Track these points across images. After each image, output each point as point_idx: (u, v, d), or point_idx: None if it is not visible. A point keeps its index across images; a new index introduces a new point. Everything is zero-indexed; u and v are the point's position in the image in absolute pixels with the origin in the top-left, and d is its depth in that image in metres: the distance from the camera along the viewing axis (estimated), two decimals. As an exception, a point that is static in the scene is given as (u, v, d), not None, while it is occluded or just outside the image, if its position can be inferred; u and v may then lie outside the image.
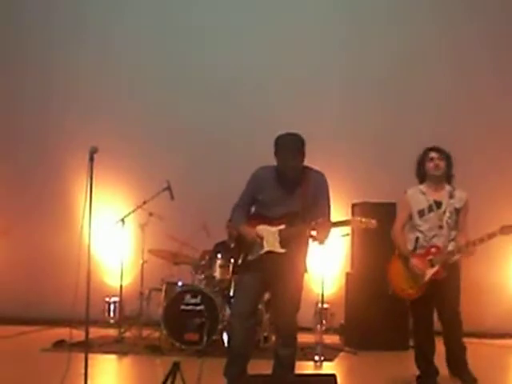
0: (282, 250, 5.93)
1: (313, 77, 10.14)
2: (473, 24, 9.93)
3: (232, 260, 8.46)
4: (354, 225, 6.57)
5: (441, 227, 6.37)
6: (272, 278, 5.91)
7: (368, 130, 9.99)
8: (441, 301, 6.39)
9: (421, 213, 6.45)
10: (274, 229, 5.92)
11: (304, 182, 5.97)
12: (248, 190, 6.12)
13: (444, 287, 6.32)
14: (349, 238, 9.09)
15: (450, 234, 6.36)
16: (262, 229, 5.94)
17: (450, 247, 6.35)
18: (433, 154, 6.44)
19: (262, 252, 5.93)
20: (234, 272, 6.65)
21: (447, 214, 6.37)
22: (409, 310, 6.82)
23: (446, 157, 6.46)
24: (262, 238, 5.92)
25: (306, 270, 6.09)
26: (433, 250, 6.35)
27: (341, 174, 9.71)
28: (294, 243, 5.94)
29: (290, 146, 5.92)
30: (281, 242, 5.93)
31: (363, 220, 5.88)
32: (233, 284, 8.47)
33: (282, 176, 5.98)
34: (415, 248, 6.44)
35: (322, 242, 5.92)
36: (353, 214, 9.16)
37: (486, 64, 9.91)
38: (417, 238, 6.45)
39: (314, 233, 5.92)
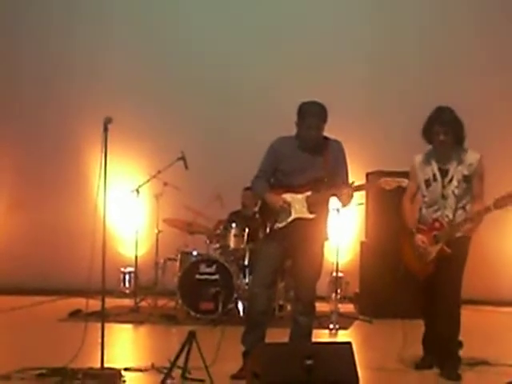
0: (312, 216, 5.97)
1: (330, 47, 10.10)
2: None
3: (247, 229, 8.56)
4: (375, 187, 6.51)
5: (444, 197, 6.03)
6: (296, 244, 5.95)
7: (382, 97, 9.95)
8: (441, 280, 6.06)
9: (427, 182, 6.13)
10: (301, 196, 5.95)
11: (324, 151, 6.00)
12: (268, 161, 6.11)
13: (447, 265, 5.99)
14: (363, 207, 9.08)
15: (457, 203, 5.99)
16: (289, 196, 5.97)
17: (458, 218, 6.00)
18: (438, 128, 5.97)
19: (291, 219, 5.96)
20: (255, 239, 6.62)
21: (454, 183, 6.00)
22: (418, 287, 6.41)
23: (453, 126, 5.98)
24: (289, 205, 5.95)
25: (327, 238, 6.13)
26: (436, 224, 6.06)
27: (355, 142, 9.65)
28: (320, 209, 5.98)
29: (316, 116, 5.93)
30: (308, 208, 5.96)
31: (387, 180, 5.90)
32: (247, 253, 8.50)
33: (303, 144, 5.99)
34: (420, 222, 6.20)
35: (345, 205, 5.99)
36: (367, 183, 9.15)
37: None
38: (420, 210, 6.23)
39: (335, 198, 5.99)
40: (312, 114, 5.91)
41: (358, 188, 6.08)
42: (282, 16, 10.27)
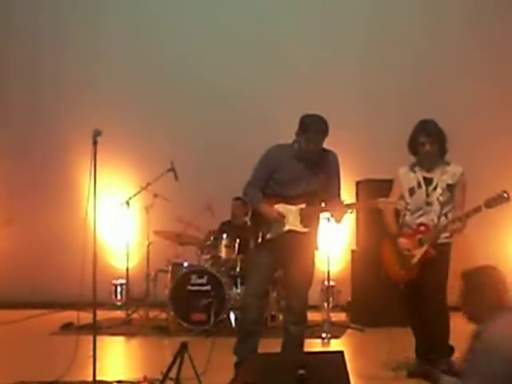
0: (305, 230, 5.97)
1: (321, 57, 10.13)
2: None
3: (238, 240, 8.56)
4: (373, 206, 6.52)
5: (429, 204, 6.16)
6: (288, 255, 5.95)
7: (372, 105, 9.97)
8: (426, 283, 6.12)
9: (411, 191, 6.26)
10: (294, 208, 5.94)
11: (321, 162, 6.01)
12: (263, 168, 6.09)
13: (431, 269, 6.08)
14: (354, 216, 9.10)
15: (441, 209, 6.13)
16: (282, 207, 5.95)
17: (441, 223, 6.12)
18: (422, 139, 6.14)
19: (283, 231, 5.95)
20: (246, 250, 6.59)
21: (438, 191, 6.16)
22: (400, 294, 6.43)
23: (438, 137, 6.17)
24: (283, 217, 5.94)
25: (317, 248, 6.15)
26: (422, 228, 6.16)
27: (345, 151, 9.66)
28: (312, 222, 5.99)
29: (320, 132, 5.92)
30: (302, 221, 5.96)
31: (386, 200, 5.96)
32: (239, 263, 8.50)
33: (301, 156, 5.98)
34: (401, 226, 6.30)
35: (338, 222, 6.01)
36: (357, 191, 9.17)
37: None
38: (403, 216, 6.31)
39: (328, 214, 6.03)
40: (316, 130, 5.89)
41: (354, 206, 6.13)
42: (271, 27, 10.28)
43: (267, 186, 6.08)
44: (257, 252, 6.12)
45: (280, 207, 5.96)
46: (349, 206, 6.03)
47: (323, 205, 6.05)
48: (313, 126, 5.90)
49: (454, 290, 6.22)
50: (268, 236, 6.00)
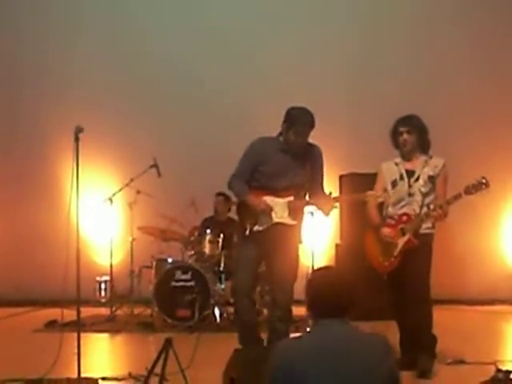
0: (293, 222, 5.99)
1: (305, 52, 10.13)
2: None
3: (222, 235, 8.56)
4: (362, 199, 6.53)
5: (411, 194, 6.23)
6: (273, 249, 5.98)
7: (356, 99, 9.99)
8: (409, 273, 6.16)
9: (393, 183, 6.34)
10: (282, 200, 5.95)
11: (306, 155, 6.05)
12: (248, 160, 6.10)
13: (414, 258, 6.12)
14: (337, 210, 9.11)
15: (423, 200, 6.19)
16: (269, 199, 5.96)
17: (422, 213, 6.18)
18: (401, 129, 6.27)
19: (271, 223, 5.97)
20: (228, 246, 6.55)
21: (420, 182, 6.23)
22: (385, 285, 6.46)
23: (417, 128, 6.28)
24: (271, 209, 5.94)
25: (301, 241, 6.16)
26: (404, 218, 6.22)
27: (329, 145, 9.67)
28: (299, 215, 6.01)
29: (307, 124, 5.95)
30: (290, 214, 5.97)
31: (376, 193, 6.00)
32: (223, 259, 8.50)
33: (287, 148, 6.01)
34: (384, 218, 6.38)
35: (327, 215, 6.05)
36: (340, 185, 9.19)
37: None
38: (386, 208, 6.40)
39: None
40: (303, 123, 5.92)
41: (341, 199, 6.17)
42: (255, 24, 10.26)
43: (253, 178, 6.09)
44: (244, 244, 6.15)
45: (267, 199, 5.98)
46: (336, 199, 6.07)
47: (309, 198, 6.09)
48: (300, 119, 5.93)
49: (437, 282, 6.33)
50: (256, 228, 6.01)
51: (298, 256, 6.18)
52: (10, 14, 10.49)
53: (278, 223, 5.98)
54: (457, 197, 6.03)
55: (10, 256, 10.19)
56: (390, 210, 6.36)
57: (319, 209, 6.11)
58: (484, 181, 5.96)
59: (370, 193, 6.13)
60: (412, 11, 10.16)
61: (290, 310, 6.18)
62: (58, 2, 10.51)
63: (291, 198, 5.99)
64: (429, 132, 6.34)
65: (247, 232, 6.05)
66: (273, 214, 5.98)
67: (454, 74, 9.97)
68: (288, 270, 6.04)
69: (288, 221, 6.00)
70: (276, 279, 6.12)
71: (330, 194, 6.11)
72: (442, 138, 6.48)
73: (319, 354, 3.32)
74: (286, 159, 6.01)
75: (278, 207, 5.97)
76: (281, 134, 6.09)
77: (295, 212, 6.01)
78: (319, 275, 3.77)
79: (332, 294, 3.56)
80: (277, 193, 5.99)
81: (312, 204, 6.13)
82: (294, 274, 6.11)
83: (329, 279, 3.67)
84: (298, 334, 3.85)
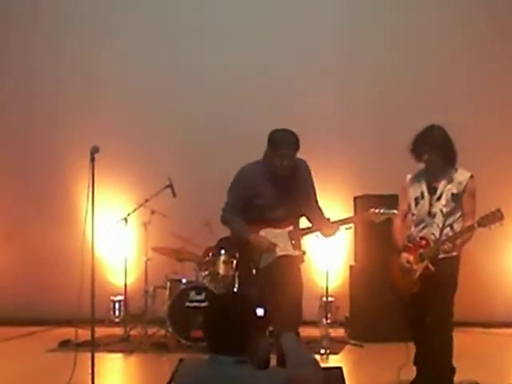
0: (297, 253, 5.87)
1: (308, 72, 10.10)
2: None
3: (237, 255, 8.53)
4: (361, 219, 6.44)
5: (431, 215, 5.94)
6: (277, 283, 5.78)
7: (370, 119, 9.94)
8: (428, 300, 5.96)
9: (416, 200, 6.04)
10: (282, 231, 5.84)
11: (294, 173, 5.92)
12: (239, 193, 5.96)
13: (434, 285, 5.89)
14: (352, 231, 9.08)
15: (444, 221, 5.86)
16: (269, 232, 5.84)
17: (445, 236, 5.88)
18: (421, 147, 5.94)
19: (275, 257, 5.84)
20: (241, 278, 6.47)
21: (442, 202, 5.90)
22: (405, 309, 6.31)
23: (439, 144, 5.91)
24: (275, 246, 5.80)
25: (303, 260, 6.04)
26: (423, 242, 5.96)
27: (341, 167, 9.73)
28: (300, 243, 5.91)
29: (292, 146, 5.80)
30: (292, 244, 5.86)
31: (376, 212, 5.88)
32: (237, 280, 8.47)
33: (275, 175, 5.86)
34: (409, 240, 6.11)
35: (328, 238, 5.95)
36: (355, 207, 9.16)
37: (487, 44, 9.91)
38: (410, 228, 6.13)
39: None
40: (287, 145, 5.77)
41: (346, 221, 6.03)
42: (256, 39, 10.24)
43: (247, 210, 5.93)
44: (251, 283, 5.96)
45: (267, 233, 5.84)
46: (338, 223, 5.92)
47: (309, 221, 5.98)
48: (283, 141, 5.78)
49: (457, 304, 6.24)
50: (261, 265, 5.87)
51: (301, 288, 6.01)
52: (26, 33, 10.55)
53: (281, 256, 5.86)
54: (470, 228, 5.81)
55: (25, 275, 10.20)
56: (413, 230, 6.11)
57: (321, 234, 5.99)
58: (499, 214, 5.72)
59: (372, 211, 6.00)
60: (414, 21, 10.09)
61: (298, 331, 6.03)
62: (76, 21, 10.54)
63: (291, 228, 5.87)
64: (453, 143, 6.00)
65: (254, 271, 5.90)
66: (276, 249, 5.86)
67: (471, 86, 9.86)
68: (293, 312, 5.89)
69: (292, 252, 5.87)
70: (281, 322, 5.73)
71: (329, 219, 5.98)
72: (466, 154, 6.25)
73: None
74: (277, 188, 5.85)
75: (280, 239, 5.84)
76: (265, 157, 5.95)
77: (297, 241, 5.90)
78: (216, 305, 3.46)
79: (224, 328, 3.26)
80: (275, 224, 5.86)
81: (314, 231, 6.00)
82: (299, 318, 5.98)
83: (223, 311, 3.32)
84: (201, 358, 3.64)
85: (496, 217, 5.73)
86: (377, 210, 5.96)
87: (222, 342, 3.25)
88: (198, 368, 3.39)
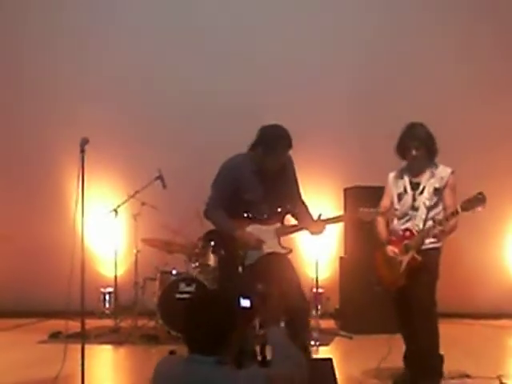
0: (284, 251, 5.80)
1: (306, 62, 10.10)
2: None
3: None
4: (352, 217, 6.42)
5: (415, 208, 6.08)
6: (268, 280, 5.58)
7: (360, 112, 9.96)
8: (414, 290, 6.03)
9: (399, 196, 6.21)
10: (268, 228, 5.77)
11: (280, 170, 5.82)
12: (226, 188, 5.83)
13: (419, 275, 5.99)
14: (342, 224, 9.10)
15: (428, 214, 6.01)
16: (255, 229, 5.76)
17: (426, 227, 5.99)
18: (409, 144, 6.08)
19: (262, 254, 5.75)
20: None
21: (425, 195, 6.05)
22: (392, 301, 6.38)
23: (424, 141, 6.08)
24: (262, 243, 5.72)
25: (290, 250, 5.97)
26: (407, 233, 6.07)
27: (331, 159, 9.74)
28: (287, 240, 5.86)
29: (286, 148, 5.68)
30: (279, 242, 5.80)
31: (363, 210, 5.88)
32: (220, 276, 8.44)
33: (261, 168, 5.76)
34: (391, 234, 6.24)
35: (315, 235, 5.90)
36: (345, 198, 9.19)
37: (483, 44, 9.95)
38: (391, 221, 6.27)
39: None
40: (281, 148, 5.66)
41: (335, 220, 5.99)
42: (256, 32, 10.24)
43: (233, 205, 5.80)
44: (237, 280, 5.75)
45: (254, 229, 5.75)
46: (327, 221, 5.88)
47: (297, 222, 5.89)
48: (277, 145, 5.65)
49: (444, 296, 6.30)
50: (247, 262, 5.74)
51: (298, 279, 5.87)
52: (19, 24, 10.51)
53: (268, 253, 5.76)
54: (454, 213, 5.86)
55: (15, 267, 10.19)
56: (395, 224, 6.24)
57: (309, 231, 5.88)
58: (480, 196, 5.76)
59: (361, 210, 6.00)
60: (415, 22, 10.13)
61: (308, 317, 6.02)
62: (65, 12, 10.50)
63: (278, 225, 5.79)
64: (435, 140, 6.16)
65: (240, 269, 5.75)
66: (263, 246, 5.75)
67: (465, 83, 9.90)
68: (297, 290, 5.78)
69: (279, 249, 5.79)
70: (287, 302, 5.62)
71: (320, 216, 5.92)
72: (446, 149, 6.36)
73: None
74: (264, 183, 5.74)
75: (266, 236, 5.73)
76: (251, 150, 5.82)
77: (284, 238, 5.86)
78: (195, 305, 3.38)
79: (200, 327, 3.23)
80: (262, 221, 5.76)
81: (301, 229, 5.90)
82: (299, 286, 5.83)
83: (201, 312, 3.28)
84: (178, 356, 3.61)
85: (478, 200, 5.77)
86: (366, 209, 5.96)
87: (200, 342, 3.22)
88: (176, 368, 3.35)
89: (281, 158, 5.74)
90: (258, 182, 5.76)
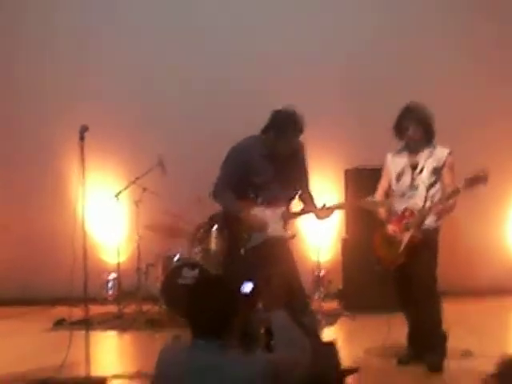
0: (288, 235, 5.80)
1: (305, 44, 10.06)
2: None
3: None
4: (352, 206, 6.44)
5: (414, 187, 6.13)
6: (268, 265, 5.63)
7: (360, 93, 9.93)
8: (415, 268, 6.08)
9: (398, 176, 6.24)
10: (275, 211, 5.75)
11: (291, 154, 5.81)
12: (235, 170, 5.80)
13: (419, 253, 6.04)
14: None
15: (427, 193, 6.07)
16: (261, 212, 5.73)
17: (426, 206, 6.04)
18: (406, 124, 6.13)
19: (266, 237, 5.73)
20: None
21: (424, 174, 6.10)
22: (392, 280, 6.43)
23: (422, 121, 6.13)
24: (267, 225, 5.70)
25: (294, 235, 6.00)
26: (407, 213, 6.12)
27: (333, 139, 9.72)
28: (293, 224, 5.86)
29: (298, 132, 5.67)
30: (284, 226, 5.80)
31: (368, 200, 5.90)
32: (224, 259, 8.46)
33: (272, 151, 5.74)
34: (390, 213, 6.27)
35: (321, 220, 5.92)
36: (346, 180, 9.18)
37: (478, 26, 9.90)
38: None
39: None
40: (294, 133, 5.64)
41: (339, 207, 6.01)
42: (256, 32, 10.18)
43: (241, 187, 5.80)
44: (239, 262, 5.80)
45: (260, 212, 5.74)
46: (332, 208, 5.87)
47: (303, 206, 5.91)
48: (290, 129, 5.63)
49: (446, 274, 6.32)
50: (250, 245, 5.75)
51: (294, 263, 5.91)
52: (14, 13, 10.48)
53: (272, 237, 5.74)
54: (455, 191, 5.91)
55: (17, 255, 10.19)
56: (395, 204, 6.26)
57: (315, 216, 5.89)
58: (482, 174, 5.81)
59: (367, 200, 6.03)
60: (413, 7, 10.10)
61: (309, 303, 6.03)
62: (62, 6, 10.47)
63: (283, 209, 5.78)
64: (434, 121, 6.21)
65: (242, 251, 5.77)
66: (268, 228, 5.74)
67: (463, 67, 9.88)
68: (296, 276, 5.84)
69: (283, 233, 5.78)
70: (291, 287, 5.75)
71: (324, 205, 5.91)
72: (446, 129, 6.38)
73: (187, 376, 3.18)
74: (274, 166, 5.72)
75: (272, 220, 5.71)
76: (263, 133, 5.80)
77: (289, 222, 5.85)
78: (198, 290, 3.37)
79: (204, 312, 3.22)
80: (269, 204, 5.74)
81: (307, 213, 5.92)
82: (296, 274, 5.88)
83: (204, 296, 3.26)
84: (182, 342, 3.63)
85: (479, 177, 5.82)
86: (370, 199, 6.00)
87: (204, 327, 3.22)
88: (179, 354, 3.35)
89: (292, 143, 5.72)
90: (268, 165, 5.74)
